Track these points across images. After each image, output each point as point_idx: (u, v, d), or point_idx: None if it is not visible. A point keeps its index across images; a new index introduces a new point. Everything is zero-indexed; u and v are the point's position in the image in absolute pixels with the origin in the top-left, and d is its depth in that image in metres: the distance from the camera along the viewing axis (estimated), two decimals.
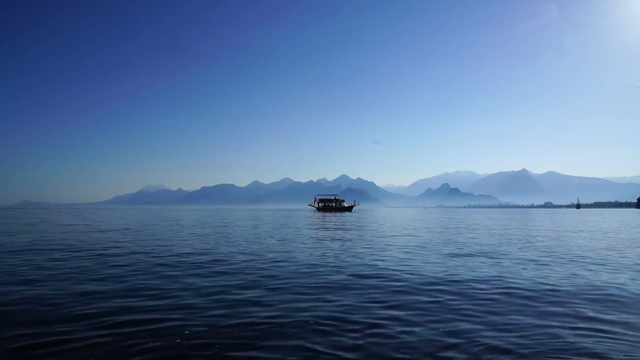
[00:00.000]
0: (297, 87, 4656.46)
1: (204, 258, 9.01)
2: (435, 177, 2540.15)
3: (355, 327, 4.06)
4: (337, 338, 3.76)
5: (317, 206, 75.60)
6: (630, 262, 8.66)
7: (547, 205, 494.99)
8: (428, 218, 40.96)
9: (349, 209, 75.46)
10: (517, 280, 6.40)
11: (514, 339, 3.74)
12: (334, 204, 73.89)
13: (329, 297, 5.30)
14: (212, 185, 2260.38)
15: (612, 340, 3.72)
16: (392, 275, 6.82)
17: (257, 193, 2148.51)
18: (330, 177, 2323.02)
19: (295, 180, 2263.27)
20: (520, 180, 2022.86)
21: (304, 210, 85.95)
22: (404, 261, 8.55)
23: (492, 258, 9.21)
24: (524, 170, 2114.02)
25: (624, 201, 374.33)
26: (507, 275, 6.91)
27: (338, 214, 54.83)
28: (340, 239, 14.05)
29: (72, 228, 20.69)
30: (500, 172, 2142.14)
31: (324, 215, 45.22)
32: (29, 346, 3.54)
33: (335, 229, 20.29)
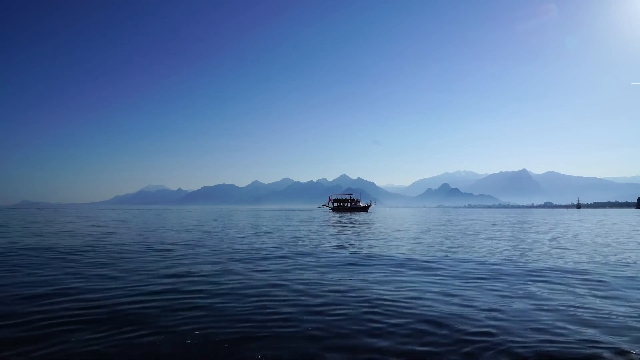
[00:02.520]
0: (297, 87, 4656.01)
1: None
2: (435, 177, 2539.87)
3: None
4: None
5: (332, 206, 73.32)
6: None
7: (547, 205, 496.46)
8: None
9: (365, 209, 72.67)
10: None
11: None
12: (349, 204, 71.60)
13: None
14: (212, 185, 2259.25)
15: None
16: None
17: (257, 193, 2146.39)
18: (330, 177, 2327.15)
19: (295, 180, 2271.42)
20: (520, 180, 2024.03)
21: (315, 211, 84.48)
22: None
23: None
24: (524, 170, 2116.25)
25: (624, 201, 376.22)
26: None
27: (355, 214, 52.80)
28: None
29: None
30: (500, 172, 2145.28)
31: (343, 216, 43.59)
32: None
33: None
